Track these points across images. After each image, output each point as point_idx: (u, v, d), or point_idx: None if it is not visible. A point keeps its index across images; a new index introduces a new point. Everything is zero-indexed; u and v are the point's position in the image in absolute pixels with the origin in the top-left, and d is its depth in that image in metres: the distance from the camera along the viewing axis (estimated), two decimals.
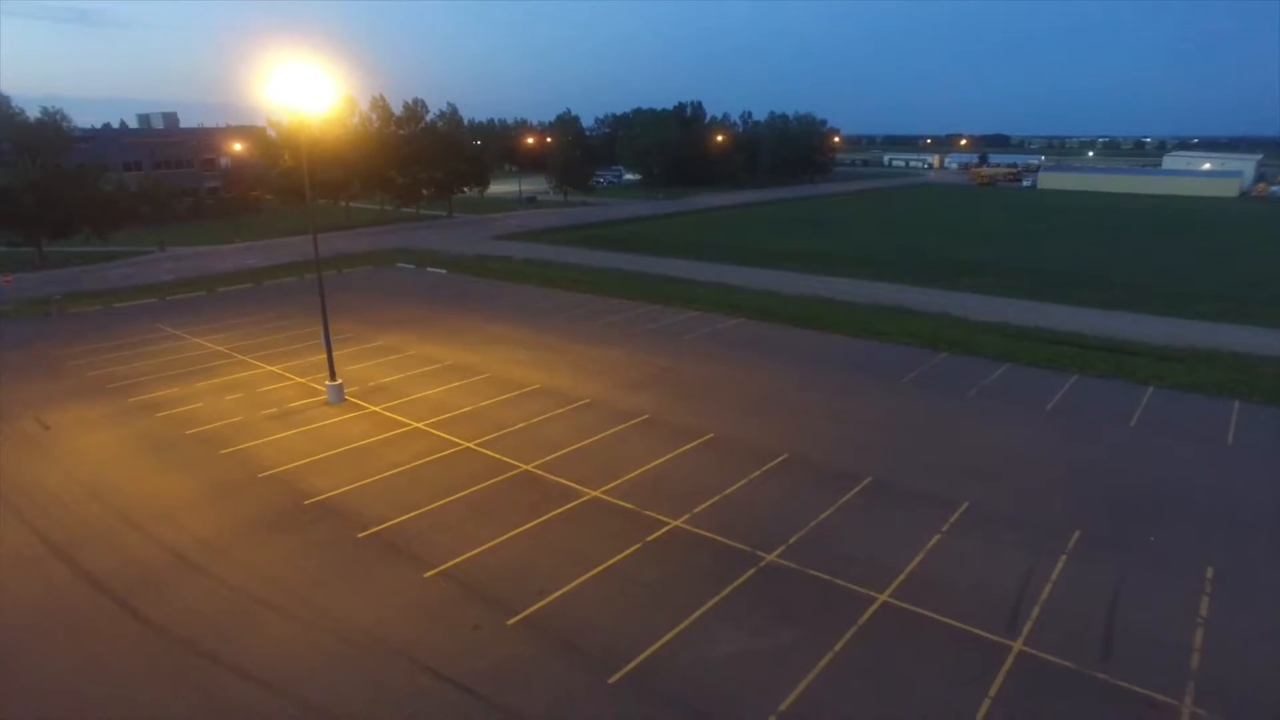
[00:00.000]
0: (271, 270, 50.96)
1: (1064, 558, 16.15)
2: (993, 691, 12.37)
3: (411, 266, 53.25)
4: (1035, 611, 14.38)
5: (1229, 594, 14.90)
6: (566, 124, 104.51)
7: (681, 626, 14.01)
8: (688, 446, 21.96)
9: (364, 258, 56.17)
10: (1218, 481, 19.79)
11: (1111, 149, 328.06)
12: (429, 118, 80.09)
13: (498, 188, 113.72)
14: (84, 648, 13.65)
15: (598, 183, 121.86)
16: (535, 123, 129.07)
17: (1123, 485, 19.55)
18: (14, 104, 53.85)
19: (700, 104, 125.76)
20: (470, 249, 60.17)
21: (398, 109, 79.31)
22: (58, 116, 54.89)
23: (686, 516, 17.93)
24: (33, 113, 54.50)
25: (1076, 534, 17.08)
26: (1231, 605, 14.56)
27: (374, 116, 76.11)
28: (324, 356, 26.58)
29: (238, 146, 77.07)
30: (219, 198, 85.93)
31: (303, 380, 28.16)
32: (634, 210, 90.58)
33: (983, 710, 11.97)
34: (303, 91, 24.71)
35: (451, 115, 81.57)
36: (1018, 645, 13.46)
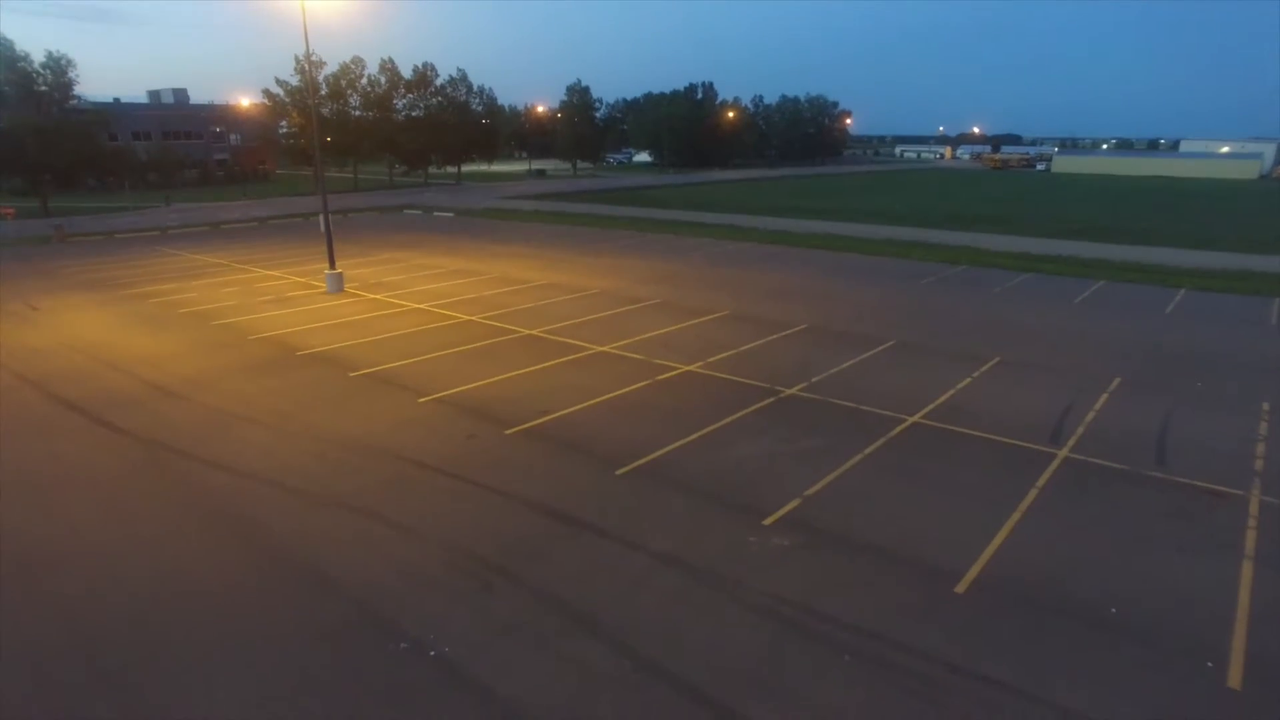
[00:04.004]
0: (276, 218, 50.12)
1: (1105, 395, 14.99)
2: (1040, 482, 11.25)
3: (419, 212, 52.41)
4: (1080, 430, 13.25)
5: None
6: (577, 94, 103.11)
7: (695, 435, 12.94)
8: (702, 319, 20.90)
9: (372, 210, 55.31)
10: (1264, 349, 18.57)
11: (1124, 147, 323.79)
12: (438, 82, 79.17)
13: (506, 168, 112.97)
14: (49, 445, 12.71)
15: (608, 161, 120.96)
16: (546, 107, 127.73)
17: (1163, 348, 18.37)
18: (17, 49, 52.97)
19: (712, 85, 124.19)
20: (478, 205, 59.27)
21: (407, 74, 78.40)
22: (62, 62, 54.16)
23: (700, 364, 16.86)
24: (38, 57, 53.66)
25: (1117, 380, 15.91)
26: None
27: (383, 79, 75.21)
28: (324, 265, 25.61)
29: (245, 102, 76.48)
30: (227, 169, 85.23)
31: (301, 279, 27.26)
32: (643, 181, 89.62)
33: (1029, 499, 10.84)
34: None
35: (462, 79, 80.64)
36: (1063, 453, 12.32)
